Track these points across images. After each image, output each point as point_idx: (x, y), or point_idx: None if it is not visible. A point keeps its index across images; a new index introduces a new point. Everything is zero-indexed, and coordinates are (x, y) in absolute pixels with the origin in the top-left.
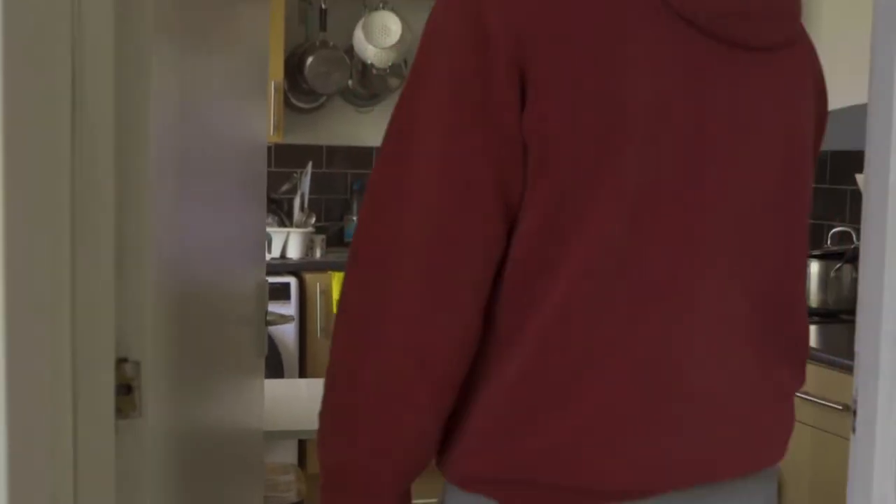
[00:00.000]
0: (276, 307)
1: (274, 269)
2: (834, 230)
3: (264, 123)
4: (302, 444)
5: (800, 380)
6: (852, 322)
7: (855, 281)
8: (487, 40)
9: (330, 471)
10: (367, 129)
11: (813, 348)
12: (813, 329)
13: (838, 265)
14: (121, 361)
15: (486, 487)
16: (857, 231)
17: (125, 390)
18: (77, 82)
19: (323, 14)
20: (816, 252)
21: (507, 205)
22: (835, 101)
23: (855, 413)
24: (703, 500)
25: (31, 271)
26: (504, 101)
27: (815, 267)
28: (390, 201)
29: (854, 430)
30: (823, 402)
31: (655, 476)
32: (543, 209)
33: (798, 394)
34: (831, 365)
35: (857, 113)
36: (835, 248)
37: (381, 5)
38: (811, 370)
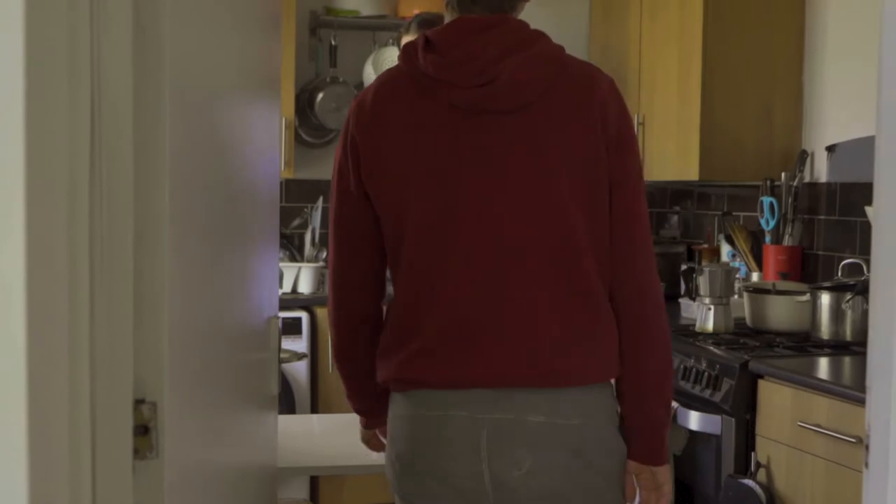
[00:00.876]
0: (287, 342)
1: (286, 303)
2: (844, 262)
3: (278, 158)
4: (314, 480)
5: (593, 311)
6: (864, 354)
7: (866, 312)
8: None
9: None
10: None
11: (824, 380)
12: (824, 361)
13: (849, 297)
14: (138, 403)
15: (389, 385)
16: (868, 262)
17: (142, 431)
18: (95, 125)
19: (333, 50)
20: (827, 284)
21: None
22: (842, 134)
23: (867, 448)
24: (496, 400)
25: (49, 313)
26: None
27: (825, 298)
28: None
29: (867, 464)
30: (836, 435)
31: (462, 377)
32: (388, 224)
33: (810, 426)
34: (843, 397)
35: (865, 145)
36: (845, 279)
37: (390, 41)
38: (823, 402)
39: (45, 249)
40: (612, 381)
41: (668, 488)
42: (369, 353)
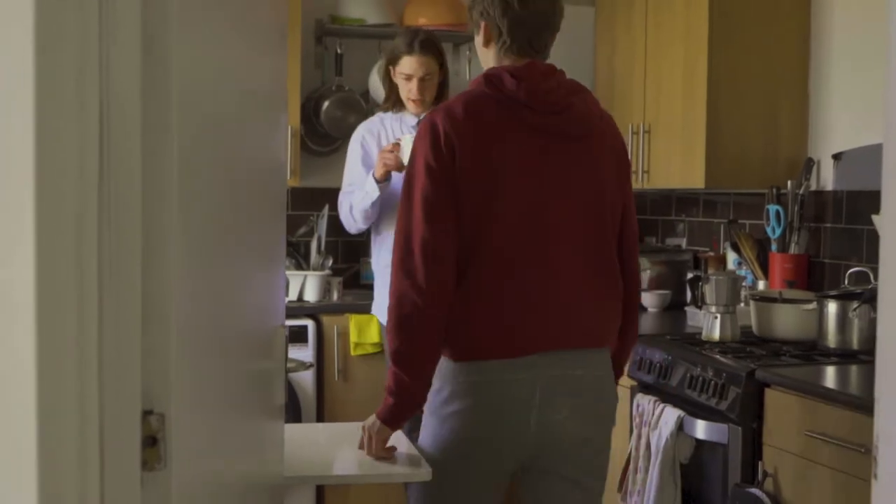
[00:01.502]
0: (293, 350)
1: (292, 312)
2: (851, 270)
3: (286, 167)
4: (320, 490)
5: (616, 292)
6: (871, 363)
7: (873, 321)
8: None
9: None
10: None
11: (831, 389)
12: (831, 370)
13: (856, 305)
14: (146, 414)
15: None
16: (875, 271)
17: (150, 442)
18: (104, 135)
19: (339, 58)
20: (833, 292)
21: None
22: (848, 142)
23: (876, 459)
24: (561, 359)
25: (58, 325)
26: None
27: (832, 307)
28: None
29: (876, 476)
30: (843, 444)
31: (530, 344)
32: (470, 219)
33: (817, 435)
34: (851, 406)
35: (871, 153)
36: (852, 287)
37: None
38: (830, 411)
39: (54, 261)
40: None
41: None
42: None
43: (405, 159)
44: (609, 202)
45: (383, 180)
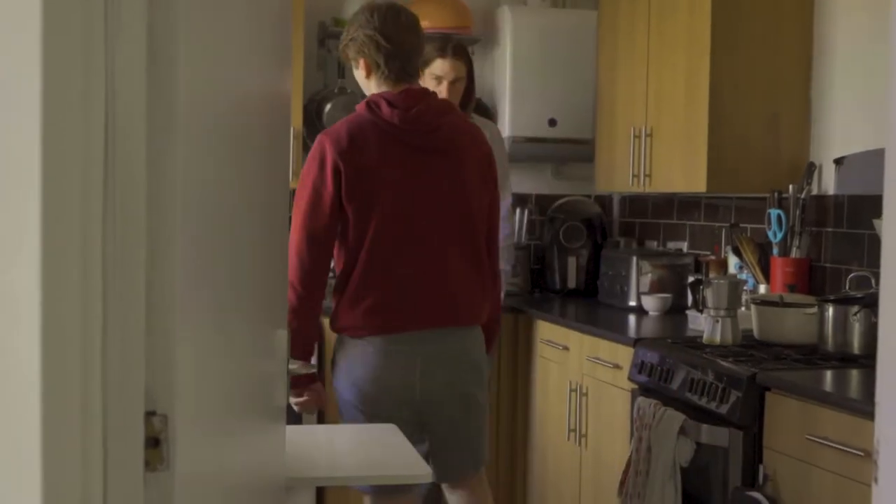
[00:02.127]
0: None
1: None
2: (852, 274)
3: (288, 173)
4: (321, 491)
5: (483, 276)
6: (871, 367)
7: (874, 325)
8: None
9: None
10: None
11: (832, 393)
12: (831, 374)
13: (857, 310)
14: (149, 415)
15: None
16: (876, 275)
17: (153, 443)
18: (109, 143)
19: (341, 61)
20: (834, 296)
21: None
22: (850, 147)
23: (877, 463)
24: (438, 335)
25: (62, 326)
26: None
27: (833, 311)
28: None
29: (876, 480)
30: (844, 448)
31: (410, 323)
32: (354, 226)
33: (818, 439)
34: (851, 410)
35: (873, 158)
36: (853, 292)
37: None
38: (831, 415)
39: (59, 263)
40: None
41: None
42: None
43: None
44: (476, 203)
45: None
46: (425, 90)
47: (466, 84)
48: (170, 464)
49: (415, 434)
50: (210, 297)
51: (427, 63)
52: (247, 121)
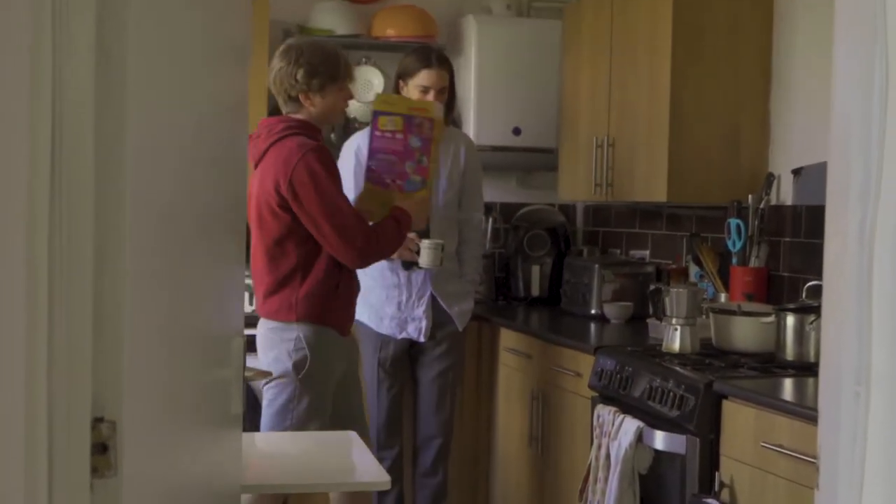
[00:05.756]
0: (252, 360)
1: (252, 321)
2: (809, 284)
3: (245, 175)
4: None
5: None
6: None
7: None
8: None
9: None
10: None
11: (787, 401)
12: (788, 382)
13: (813, 318)
14: (96, 421)
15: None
16: None
17: (101, 449)
18: (56, 142)
19: None
20: (792, 305)
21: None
22: (807, 158)
23: (818, 469)
24: None
25: (7, 331)
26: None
27: (790, 320)
28: None
29: (818, 486)
30: (798, 456)
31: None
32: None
33: (773, 446)
34: (806, 418)
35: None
36: (810, 301)
37: (363, 60)
38: (786, 423)
39: (4, 266)
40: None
41: None
42: None
43: (422, 261)
44: (276, 209)
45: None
46: (272, 119)
47: (448, 92)
48: (118, 470)
49: None
50: (161, 305)
51: (410, 75)
52: (201, 123)
